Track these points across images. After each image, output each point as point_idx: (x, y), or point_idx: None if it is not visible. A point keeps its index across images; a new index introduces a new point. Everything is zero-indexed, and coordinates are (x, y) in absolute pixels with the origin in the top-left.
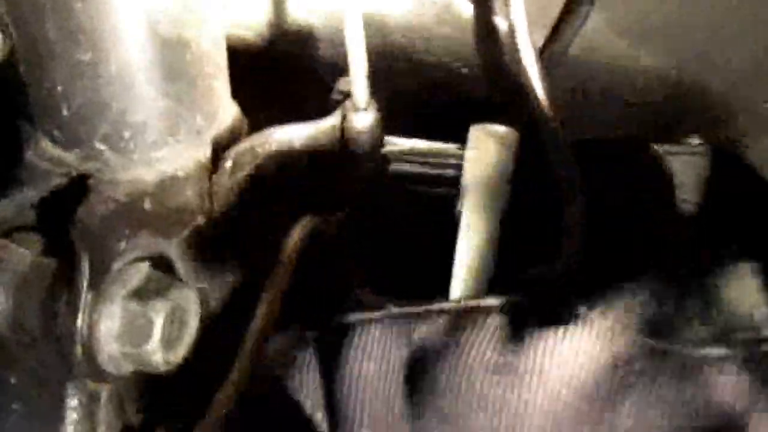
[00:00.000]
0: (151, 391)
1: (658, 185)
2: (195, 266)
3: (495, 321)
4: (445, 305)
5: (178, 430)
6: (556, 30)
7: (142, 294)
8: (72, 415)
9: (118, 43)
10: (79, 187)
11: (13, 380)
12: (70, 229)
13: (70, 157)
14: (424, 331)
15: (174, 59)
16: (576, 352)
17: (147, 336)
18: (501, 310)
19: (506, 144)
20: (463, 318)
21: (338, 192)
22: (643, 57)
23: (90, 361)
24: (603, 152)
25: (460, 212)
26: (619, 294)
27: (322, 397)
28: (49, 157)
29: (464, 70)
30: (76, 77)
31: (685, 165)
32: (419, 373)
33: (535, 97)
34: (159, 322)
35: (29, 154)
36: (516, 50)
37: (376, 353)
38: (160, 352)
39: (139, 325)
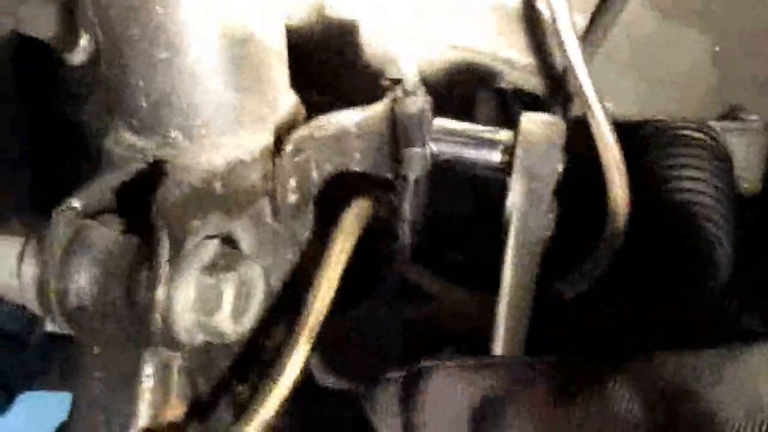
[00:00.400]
0: (218, 362)
1: (717, 165)
2: (257, 244)
3: (552, 376)
4: (508, 359)
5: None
6: (597, 14)
7: (213, 268)
8: (148, 382)
9: (191, 41)
10: (155, 172)
11: (95, 350)
12: (150, 210)
13: (146, 144)
14: (490, 383)
15: (240, 53)
16: (624, 409)
17: (218, 307)
18: (558, 365)
19: (557, 133)
20: (524, 371)
21: (389, 174)
22: (684, 36)
23: (167, 330)
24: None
25: (510, 210)
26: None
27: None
28: (127, 144)
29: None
30: (155, 73)
31: (744, 142)
32: (483, 422)
33: (579, 81)
34: (229, 294)
35: (108, 143)
36: (559, 36)
37: (445, 400)
38: (230, 322)
39: (211, 297)
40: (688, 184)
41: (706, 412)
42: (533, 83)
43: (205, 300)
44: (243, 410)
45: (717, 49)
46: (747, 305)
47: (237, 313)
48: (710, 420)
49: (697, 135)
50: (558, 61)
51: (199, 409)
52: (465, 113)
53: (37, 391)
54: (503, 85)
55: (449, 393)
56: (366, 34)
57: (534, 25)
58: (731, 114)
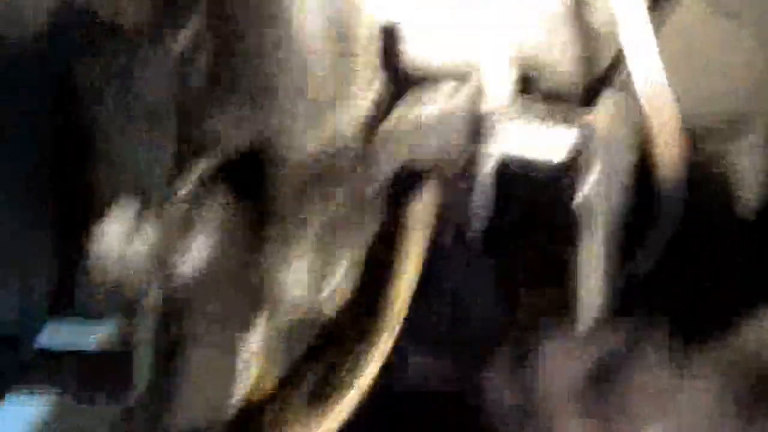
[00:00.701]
0: (303, 340)
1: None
2: (346, 224)
3: (664, 337)
4: (620, 323)
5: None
6: (650, 10)
7: (320, 246)
8: (251, 352)
9: (302, 26)
10: (260, 152)
11: (200, 323)
12: (263, 188)
13: (248, 125)
14: (606, 346)
15: (344, 40)
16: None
17: (326, 284)
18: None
19: (629, 125)
20: (637, 333)
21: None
22: (735, 31)
23: (278, 303)
24: None
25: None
26: None
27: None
28: (228, 127)
29: None
30: (265, 57)
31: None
32: (603, 382)
33: (651, 71)
34: (339, 272)
35: (214, 123)
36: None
37: (562, 364)
38: (333, 298)
39: (319, 275)
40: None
41: None
42: (578, 84)
43: (314, 276)
44: (322, 387)
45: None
46: None
47: (338, 290)
48: None
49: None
50: (601, 59)
51: (285, 382)
52: None
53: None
54: (545, 83)
55: (566, 357)
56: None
57: (581, 28)
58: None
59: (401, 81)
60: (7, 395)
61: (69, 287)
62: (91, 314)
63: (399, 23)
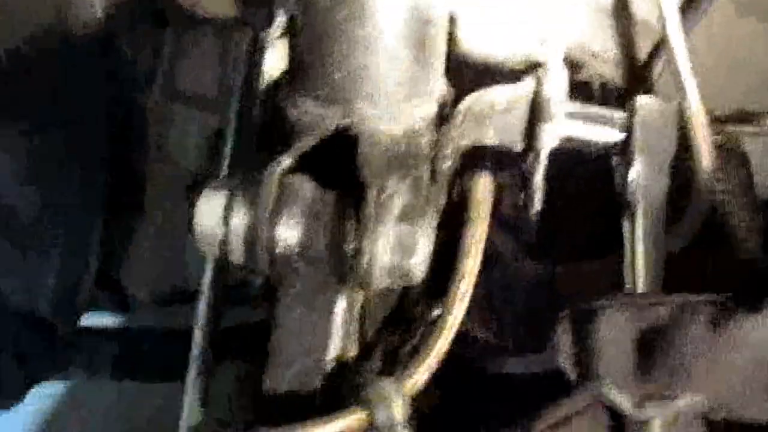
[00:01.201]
0: (380, 311)
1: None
2: (416, 202)
3: (712, 308)
4: (669, 296)
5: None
6: (683, 10)
7: (406, 218)
8: (339, 319)
9: (388, 21)
10: (341, 137)
11: (293, 291)
12: (355, 169)
13: (333, 113)
14: (654, 315)
15: (424, 34)
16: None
17: (413, 251)
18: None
19: (672, 113)
20: (685, 305)
21: (520, 147)
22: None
23: (368, 273)
24: None
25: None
26: None
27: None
28: (314, 113)
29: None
30: (352, 49)
31: (760, 146)
32: (652, 350)
33: (681, 73)
34: (422, 241)
35: (294, 113)
36: (665, 31)
37: (615, 332)
38: (422, 266)
39: (407, 243)
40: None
41: None
42: (618, 74)
43: (403, 245)
44: (393, 358)
45: None
46: None
47: (425, 259)
48: None
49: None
50: (640, 54)
51: (362, 351)
52: None
53: (57, 381)
54: (590, 75)
55: (618, 325)
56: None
57: (621, 20)
58: (746, 117)
59: (462, 69)
60: (48, 376)
61: (112, 273)
62: (132, 300)
63: (459, 14)
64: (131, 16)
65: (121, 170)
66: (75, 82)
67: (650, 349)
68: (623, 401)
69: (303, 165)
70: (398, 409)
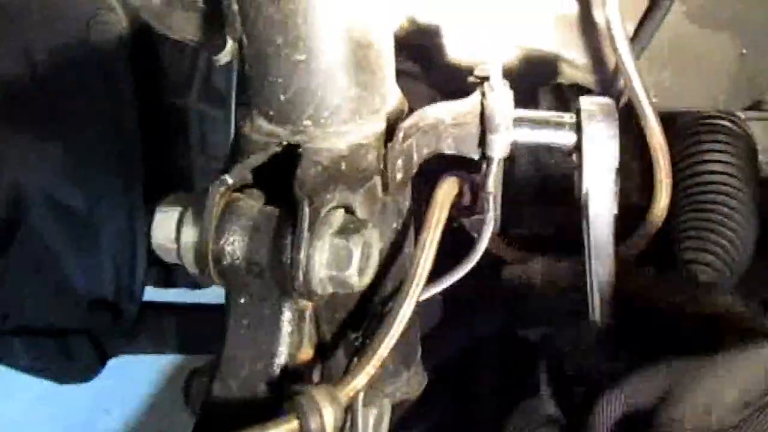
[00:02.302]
0: (338, 313)
1: (742, 149)
2: (370, 214)
3: None
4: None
5: (358, 343)
6: (643, 21)
7: (343, 232)
8: (287, 327)
9: (325, 46)
10: (289, 154)
11: (242, 300)
12: (291, 185)
13: (282, 131)
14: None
15: (363, 56)
16: None
17: (348, 264)
18: None
19: (612, 109)
20: None
21: (475, 155)
22: (716, 40)
23: (307, 283)
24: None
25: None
26: None
27: None
28: (265, 132)
29: None
30: (293, 72)
31: (765, 128)
32: None
33: (629, 76)
34: (357, 253)
35: (247, 130)
36: (612, 39)
37: None
38: (356, 277)
39: (342, 256)
40: (716, 167)
41: None
42: (589, 80)
43: (338, 258)
44: (357, 354)
45: (744, 51)
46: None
47: (361, 269)
48: None
49: (725, 123)
50: (610, 60)
51: (322, 352)
52: (528, 105)
53: (127, 354)
54: (562, 81)
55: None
56: (450, 39)
57: (591, 31)
58: (754, 105)
59: (427, 77)
60: (119, 351)
61: None
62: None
63: (422, 24)
64: None
65: (168, 165)
66: (106, 86)
67: None
68: None
69: (258, 180)
70: (329, 417)
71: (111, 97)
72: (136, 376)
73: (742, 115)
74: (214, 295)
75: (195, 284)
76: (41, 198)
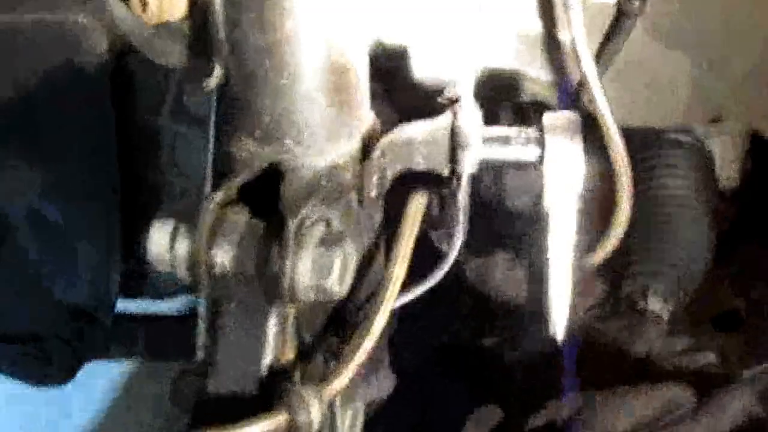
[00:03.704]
0: (318, 319)
1: (697, 163)
2: (347, 228)
3: None
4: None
5: (335, 347)
6: (607, 39)
7: (324, 244)
8: (272, 330)
9: (307, 72)
10: (273, 172)
11: (231, 306)
12: (277, 200)
13: (265, 151)
14: None
15: (342, 80)
16: None
17: (329, 273)
18: None
19: (575, 124)
20: None
21: (445, 171)
22: (676, 57)
23: (292, 290)
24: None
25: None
26: None
27: None
28: (249, 151)
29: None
30: (277, 96)
31: (724, 142)
32: None
33: (594, 93)
34: (337, 263)
35: (233, 150)
36: (577, 57)
37: None
38: (337, 285)
39: (324, 266)
40: (668, 181)
41: None
42: (550, 97)
43: (321, 268)
44: (335, 356)
45: (704, 66)
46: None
47: (340, 278)
48: None
49: (681, 138)
50: (572, 77)
51: (303, 355)
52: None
53: (100, 360)
54: (524, 98)
55: None
56: (416, 60)
57: (553, 48)
58: (712, 119)
59: (395, 97)
60: (92, 357)
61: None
62: (159, 292)
63: (389, 46)
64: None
65: (140, 183)
66: (86, 109)
67: None
68: None
69: (244, 196)
70: (316, 413)
71: (92, 118)
72: (96, 381)
73: (699, 128)
74: (177, 305)
75: (158, 295)
76: (23, 212)
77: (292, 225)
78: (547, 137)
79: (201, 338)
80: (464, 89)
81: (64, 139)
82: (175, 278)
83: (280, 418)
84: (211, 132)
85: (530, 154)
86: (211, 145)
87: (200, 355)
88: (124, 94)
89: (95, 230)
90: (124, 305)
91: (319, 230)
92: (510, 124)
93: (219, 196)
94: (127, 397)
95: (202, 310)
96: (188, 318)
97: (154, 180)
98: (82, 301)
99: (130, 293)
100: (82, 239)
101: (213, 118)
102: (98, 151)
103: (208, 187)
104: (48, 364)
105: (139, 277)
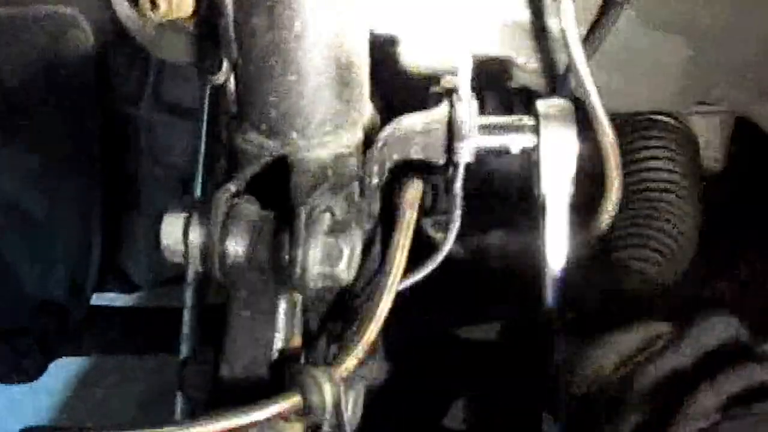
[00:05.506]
0: (322, 305)
1: (682, 145)
2: (350, 216)
3: None
4: None
5: (338, 331)
6: (594, 26)
7: (333, 232)
8: (282, 317)
9: (313, 68)
10: (280, 164)
11: (243, 294)
12: (287, 191)
13: (272, 143)
14: None
15: (346, 75)
16: None
17: (338, 260)
18: None
19: (569, 111)
20: None
21: (441, 161)
22: (664, 43)
23: (302, 278)
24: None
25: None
26: None
27: None
28: (257, 144)
29: None
30: (285, 91)
31: (710, 124)
32: None
33: (583, 79)
34: (346, 251)
35: (239, 142)
36: (566, 43)
37: None
38: (345, 272)
39: (333, 253)
40: (653, 163)
41: None
42: (538, 83)
43: (330, 255)
44: (338, 341)
45: (691, 53)
46: None
47: (349, 265)
48: None
49: (663, 119)
50: (560, 65)
51: (307, 339)
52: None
53: (71, 356)
54: (512, 85)
55: None
56: (404, 48)
57: (541, 36)
58: (698, 102)
59: (391, 88)
60: (64, 353)
61: (116, 261)
62: (134, 285)
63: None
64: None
65: (118, 173)
66: (72, 99)
67: None
68: None
69: (250, 187)
70: (328, 393)
71: (76, 110)
72: (49, 379)
73: (684, 112)
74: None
75: (129, 289)
76: (1, 204)
77: (302, 215)
78: (543, 125)
79: (186, 329)
80: (462, 79)
81: (48, 129)
82: (151, 270)
83: (294, 399)
84: (204, 125)
85: (526, 141)
86: (203, 138)
87: (185, 347)
88: (104, 84)
89: (75, 221)
90: (95, 299)
91: (327, 219)
92: (496, 111)
93: (232, 187)
94: (97, 390)
95: (187, 302)
96: (162, 311)
97: (131, 169)
98: (58, 295)
99: (103, 287)
100: (61, 231)
101: (206, 110)
102: (82, 141)
103: (198, 179)
104: (16, 360)
105: (112, 270)
